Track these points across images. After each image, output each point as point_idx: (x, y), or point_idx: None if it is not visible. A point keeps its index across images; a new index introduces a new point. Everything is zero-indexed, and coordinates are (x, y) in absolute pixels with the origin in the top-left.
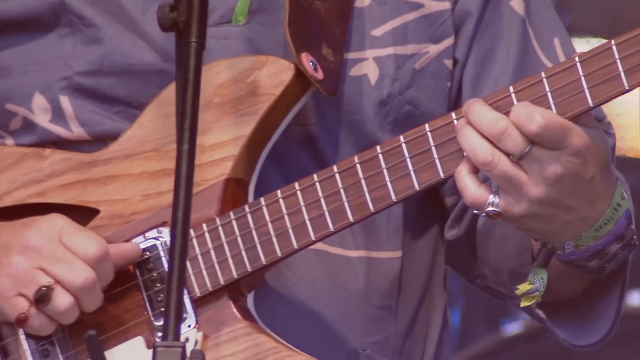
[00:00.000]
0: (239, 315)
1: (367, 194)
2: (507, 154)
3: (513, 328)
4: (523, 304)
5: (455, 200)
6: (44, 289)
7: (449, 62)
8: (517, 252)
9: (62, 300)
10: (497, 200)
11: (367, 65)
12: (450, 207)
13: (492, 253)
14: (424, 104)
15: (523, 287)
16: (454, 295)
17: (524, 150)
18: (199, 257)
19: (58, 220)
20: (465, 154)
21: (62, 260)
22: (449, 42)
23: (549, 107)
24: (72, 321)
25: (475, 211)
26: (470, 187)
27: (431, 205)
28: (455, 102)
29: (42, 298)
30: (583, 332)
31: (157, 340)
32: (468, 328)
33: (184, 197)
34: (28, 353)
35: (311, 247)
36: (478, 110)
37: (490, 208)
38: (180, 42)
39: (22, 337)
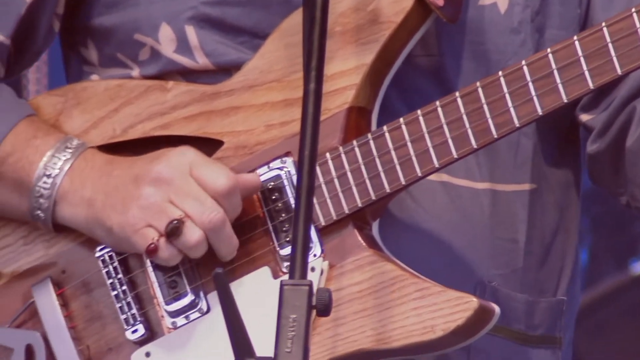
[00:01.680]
0: (364, 244)
1: (489, 120)
2: None
3: None
4: None
5: (592, 116)
6: (175, 222)
7: None
8: None
9: (192, 234)
10: None
11: None
12: (588, 122)
13: None
14: (552, 32)
15: None
16: (582, 234)
17: None
18: (323, 186)
19: (189, 153)
20: None
21: (192, 195)
22: None
23: None
24: (200, 255)
25: None
26: None
27: (565, 138)
28: (582, 29)
29: (173, 231)
30: None
31: (284, 270)
32: (596, 267)
33: (310, 135)
34: (156, 285)
35: (437, 179)
36: None
37: None
38: None
39: (150, 269)
